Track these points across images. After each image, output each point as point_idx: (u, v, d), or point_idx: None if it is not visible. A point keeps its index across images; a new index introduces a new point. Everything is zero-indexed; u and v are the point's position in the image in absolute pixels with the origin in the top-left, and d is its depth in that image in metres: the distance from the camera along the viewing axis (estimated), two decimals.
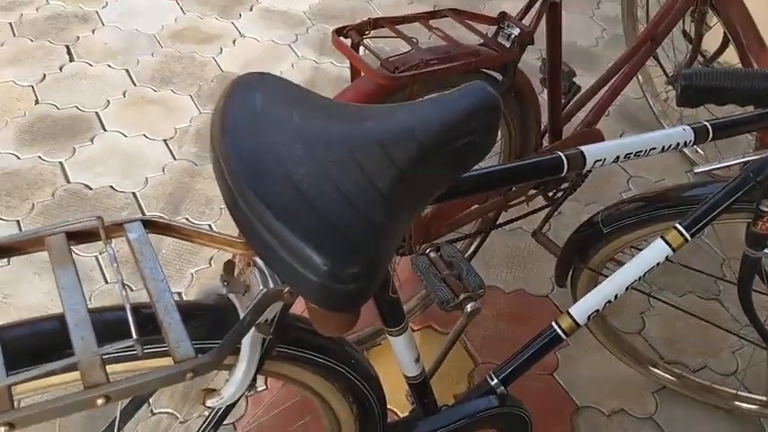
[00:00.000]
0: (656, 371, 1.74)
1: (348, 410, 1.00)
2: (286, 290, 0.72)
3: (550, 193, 1.82)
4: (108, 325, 0.67)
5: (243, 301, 0.75)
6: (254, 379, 0.77)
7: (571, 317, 1.18)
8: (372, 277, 0.62)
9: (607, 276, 1.46)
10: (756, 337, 1.50)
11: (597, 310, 1.17)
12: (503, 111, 1.61)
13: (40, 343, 0.67)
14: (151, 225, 0.74)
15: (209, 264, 1.89)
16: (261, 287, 0.72)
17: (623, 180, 2.34)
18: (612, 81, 1.85)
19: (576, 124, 1.86)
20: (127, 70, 2.50)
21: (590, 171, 1.83)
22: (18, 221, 1.93)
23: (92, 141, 2.20)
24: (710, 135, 0.97)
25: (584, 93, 1.84)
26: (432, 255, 1.21)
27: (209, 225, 1.99)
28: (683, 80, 0.84)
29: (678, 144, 0.96)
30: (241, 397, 0.78)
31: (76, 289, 0.66)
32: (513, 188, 1.67)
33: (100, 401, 0.59)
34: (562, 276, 1.56)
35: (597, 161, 0.92)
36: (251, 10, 2.93)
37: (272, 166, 0.64)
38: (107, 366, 0.63)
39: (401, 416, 1.63)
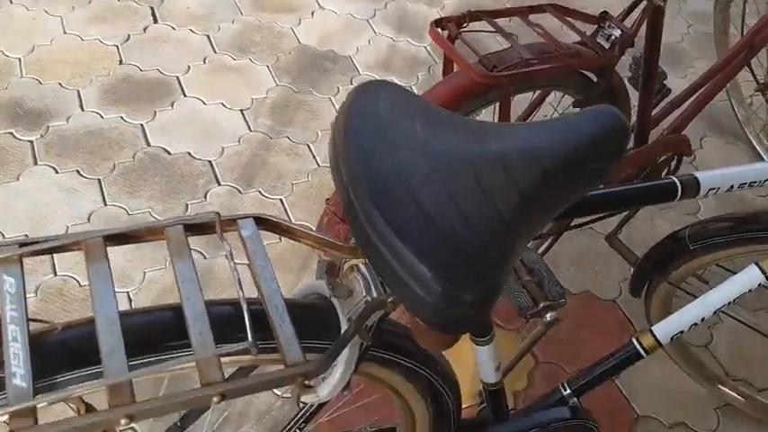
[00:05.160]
0: (722, 388, 1.71)
1: (424, 410, 1.01)
2: (390, 299, 0.72)
3: None
4: (223, 321, 0.68)
5: (344, 305, 0.75)
6: (350, 380, 0.78)
7: (654, 336, 1.16)
8: (488, 305, 0.62)
9: (686, 291, 1.44)
10: None
11: (682, 332, 1.15)
12: None
13: (158, 333, 0.68)
14: (263, 222, 0.75)
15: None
16: (364, 294, 0.73)
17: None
18: (705, 88, 1.79)
19: (662, 129, 1.81)
20: (208, 36, 2.52)
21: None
22: (99, 180, 1.98)
23: (172, 106, 2.23)
24: None
25: (676, 98, 1.78)
26: None
27: (281, 200, 2.01)
28: None
29: None
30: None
31: (194, 282, 0.67)
32: None
33: (215, 399, 0.61)
34: (638, 287, 1.53)
35: (711, 189, 0.89)
36: None
37: (395, 180, 0.63)
38: None
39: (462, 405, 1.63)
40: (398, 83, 2.49)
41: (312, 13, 2.72)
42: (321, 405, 0.86)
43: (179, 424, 0.95)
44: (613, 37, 1.39)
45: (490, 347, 0.98)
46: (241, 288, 0.65)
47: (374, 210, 0.62)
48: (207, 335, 0.63)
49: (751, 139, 2.49)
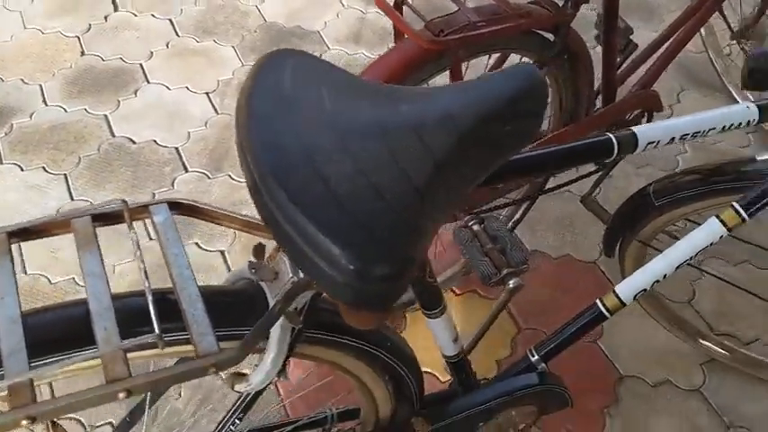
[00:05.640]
0: (705, 343, 1.68)
1: (384, 389, 0.98)
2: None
3: None
4: (131, 314, 0.65)
5: (272, 288, 0.73)
6: (285, 365, 0.75)
7: (617, 296, 1.13)
8: (404, 277, 0.59)
9: (657, 249, 1.41)
10: None
11: (645, 290, 1.12)
12: (554, 73, 1.54)
13: (62, 331, 0.66)
14: (177, 207, 0.72)
15: None
16: (290, 275, 0.70)
17: (678, 143, 2.23)
18: (673, 38, 1.74)
19: (630, 85, 1.76)
20: (170, 20, 2.47)
21: None
22: (65, 175, 1.95)
23: (135, 94, 2.19)
24: None
25: (642, 51, 1.73)
26: (475, 227, 1.17)
27: None
28: (750, 62, 0.77)
29: (740, 124, 0.89)
30: (270, 383, 0.77)
31: (101, 275, 0.64)
32: None
33: (121, 395, 0.58)
34: (610, 247, 1.50)
35: (650, 143, 0.86)
36: None
37: (299, 157, 0.60)
38: (129, 354, 0.63)
39: (442, 379, 1.62)
40: (370, 55, 2.45)
41: None
42: (259, 393, 0.83)
43: (128, 419, 0.93)
44: None
45: (442, 320, 0.96)
46: (147, 278, 0.62)
47: (279, 189, 0.59)
48: (112, 329, 0.60)
49: (730, 90, 2.44)
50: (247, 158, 0.61)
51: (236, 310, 0.73)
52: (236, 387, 0.75)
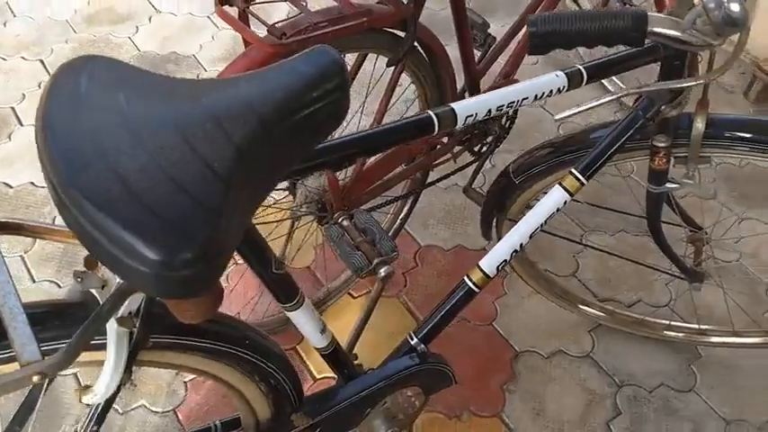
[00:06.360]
0: (589, 309, 1.76)
1: (256, 390, 0.99)
2: None
3: (476, 148, 1.81)
4: None
5: (103, 296, 0.73)
6: (129, 372, 0.76)
7: (481, 270, 1.18)
8: (211, 259, 0.61)
9: None
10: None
11: (506, 260, 1.17)
12: (413, 69, 1.59)
13: None
14: (3, 227, 0.72)
15: None
16: (118, 280, 0.71)
17: (553, 126, 2.34)
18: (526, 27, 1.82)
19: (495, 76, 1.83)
20: (41, 60, 2.42)
21: (513, 122, 1.82)
22: None
23: (9, 138, 2.14)
24: (585, 78, 0.96)
25: (499, 42, 1.81)
26: (345, 223, 1.20)
27: None
28: (528, 27, 0.83)
29: (551, 92, 0.95)
30: (119, 392, 0.77)
31: None
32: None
33: None
34: (487, 229, 1.56)
35: (468, 116, 0.91)
36: None
37: (96, 159, 0.61)
38: None
39: None
40: None
41: (149, 19, 2.65)
42: (110, 403, 0.83)
43: None
44: None
45: (302, 312, 0.97)
46: None
47: (78, 194, 0.60)
48: None
49: None
50: (47, 168, 0.62)
51: (69, 321, 0.73)
52: (84, 399, 0.75)
